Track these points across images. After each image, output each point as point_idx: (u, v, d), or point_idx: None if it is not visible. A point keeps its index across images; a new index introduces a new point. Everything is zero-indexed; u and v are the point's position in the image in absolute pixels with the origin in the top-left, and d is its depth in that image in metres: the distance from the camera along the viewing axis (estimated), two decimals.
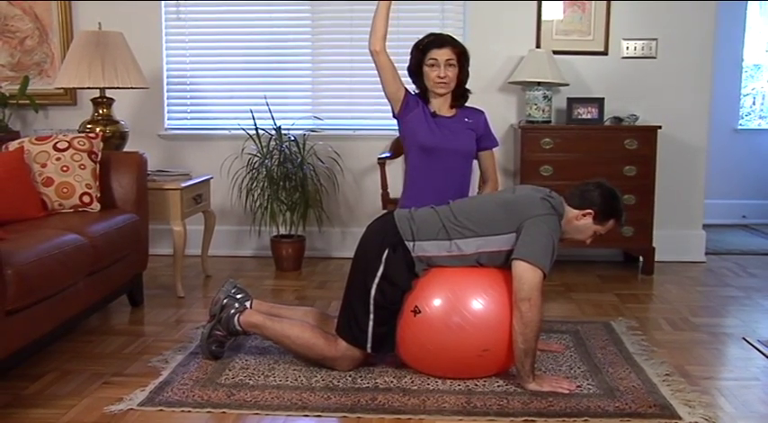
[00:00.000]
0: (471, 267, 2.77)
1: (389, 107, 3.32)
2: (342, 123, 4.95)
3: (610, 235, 4.15)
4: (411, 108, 3.27)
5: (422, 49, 3.26)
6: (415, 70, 3.29)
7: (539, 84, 4.54)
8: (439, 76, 3.21)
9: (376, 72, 4.79)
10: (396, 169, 4.77)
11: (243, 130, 4.71)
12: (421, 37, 3.33)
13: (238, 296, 3.01)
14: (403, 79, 3.30)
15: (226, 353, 3.01)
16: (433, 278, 2.75)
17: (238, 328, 2.93)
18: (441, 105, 3.29)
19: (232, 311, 2.94)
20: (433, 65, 3.22)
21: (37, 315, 2.68)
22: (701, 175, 4.85)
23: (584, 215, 2.82)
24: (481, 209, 2.79)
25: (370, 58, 4.78)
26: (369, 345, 2.77)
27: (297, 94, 4.98)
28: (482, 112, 3.39)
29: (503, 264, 2.75)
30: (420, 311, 2.70)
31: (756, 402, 2.64)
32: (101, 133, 3.88)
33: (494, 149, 3.46)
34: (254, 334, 2.98)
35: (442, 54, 3.21)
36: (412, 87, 3.36)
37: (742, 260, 4.96)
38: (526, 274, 2.61)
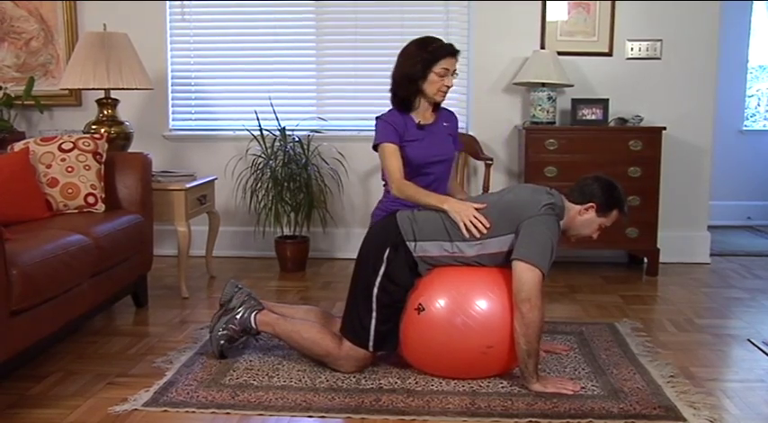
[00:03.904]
0: (475, 266, 2.78)
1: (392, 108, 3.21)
2: (346, 124, 4.95)
3: (614, 236, 4.18)
4: (401, 136, 3.06)
5: (432, 54, 3.04)
6: (420, 75, 3.04)
7: (543, 85, 4.54)
8: (447, 86, 3.07)
9: (380, 73, 4.83)
10: None
11: (247, 131, 4.72)
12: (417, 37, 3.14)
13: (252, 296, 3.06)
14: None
15: (230, 353, 3.02)
16: (438, 276, 2.76)
17: (253, 325, 2.95)
18: (423, 113, 3.14)
19: (249, 311, 2.97)
20: (443, 75, 3.05)
21: (41, 315, 2.69)
22: (705, 177, 4.84)
23: (586, 210, 2.82)
24: (480, 211, 2.78)
25: (374, 58, 4.87)
26: (370, 343, 2.78)
27: (301, 96, 4.98)
28: (454, 114, 3.28)
29: (503, 263, 2.76)
30: (424, 309, 2.71)
31: (761, 404, 2.63)
32: (105, 134, 3.89)
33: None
34: (264, 332, 2.99)
35: (453, 63, 3.07)
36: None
37: (747, 262, 4.95)
38: (525, 274, 2.61)
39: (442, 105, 3.21)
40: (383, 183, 3.23)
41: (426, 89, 3.06)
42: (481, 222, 2.73)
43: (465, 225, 2.73)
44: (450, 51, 3.06)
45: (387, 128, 3.06)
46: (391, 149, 3.03)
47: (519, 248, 2.66)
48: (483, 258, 2.76)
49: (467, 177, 4.36)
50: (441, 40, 3.11)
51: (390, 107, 3.16)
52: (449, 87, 3.09)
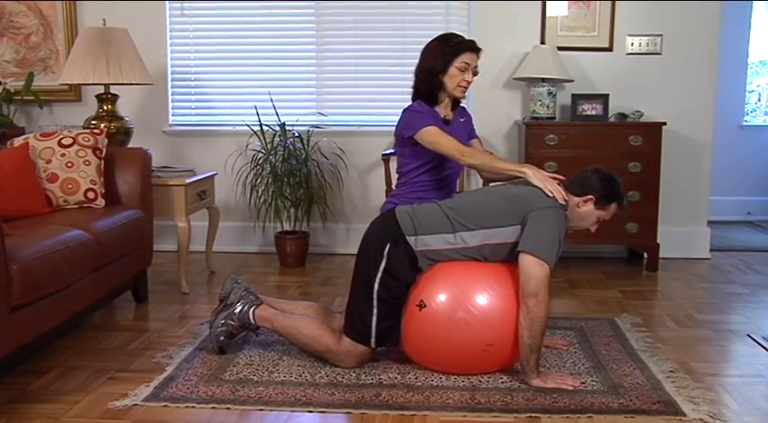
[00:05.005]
0: (477, 262, 2.77)
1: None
2: (346, 120, 4.95)
3: (614, 231, 4.18)
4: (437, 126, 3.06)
5: (454, 48, 3.06)
6: (440, 69, 3.06)
7: (543, 80, 4.54)
8: (467, 81, 3.09)
9: (380, 68, 4.84)
10: None
11: (247, 126, 4.72)
12: (439, 34, 3.17)
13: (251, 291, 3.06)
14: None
15: (230, 349, 3.02)
16: (439, 273, 2.76)
17: (252, 320, 2.96)
18: (445, 108, 3.17)
19: (248, 306, 2.97)
20: (464, 69, 3.06)
21: (42, 311, 2.69)
22: (705, 172, 4.84)
23: (585, 202, 2.82)
24: (486, 201, 2.79)
25: (373, 54, 4.87)
26: (372, 340, 2.78)
27: (301, 91, 4.97)
28: (466, 109, 3.33)
29: (507, 257, 2.75)
30: (425, 306, 2.71)
31: (761, 399, 2.63)
32: (105, 129, 3.88)
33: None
34: (263, 328, 2.99)
35: (474, 59, 3.09)
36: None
37: (747, 257, 4.95)
38: (533, 268, 2.60)
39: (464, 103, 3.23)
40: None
41: (447, 83, 3.08)
42: (560, 192, 2.75)
43: (549, 189, 2.74)
44: (471, 47, 3.09)
45: (423, 115, 3.04)
46: (437, 129, 2.99)
47: (526, 241, 2.65)
48: (486, 249, 2.75)
49: (466, 172, 4.35)
50: (462, 36, 3.15)
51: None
52: (469, 83, 3.10)
